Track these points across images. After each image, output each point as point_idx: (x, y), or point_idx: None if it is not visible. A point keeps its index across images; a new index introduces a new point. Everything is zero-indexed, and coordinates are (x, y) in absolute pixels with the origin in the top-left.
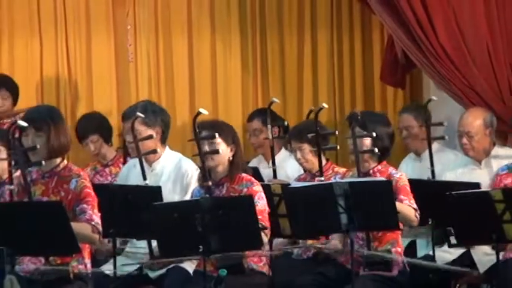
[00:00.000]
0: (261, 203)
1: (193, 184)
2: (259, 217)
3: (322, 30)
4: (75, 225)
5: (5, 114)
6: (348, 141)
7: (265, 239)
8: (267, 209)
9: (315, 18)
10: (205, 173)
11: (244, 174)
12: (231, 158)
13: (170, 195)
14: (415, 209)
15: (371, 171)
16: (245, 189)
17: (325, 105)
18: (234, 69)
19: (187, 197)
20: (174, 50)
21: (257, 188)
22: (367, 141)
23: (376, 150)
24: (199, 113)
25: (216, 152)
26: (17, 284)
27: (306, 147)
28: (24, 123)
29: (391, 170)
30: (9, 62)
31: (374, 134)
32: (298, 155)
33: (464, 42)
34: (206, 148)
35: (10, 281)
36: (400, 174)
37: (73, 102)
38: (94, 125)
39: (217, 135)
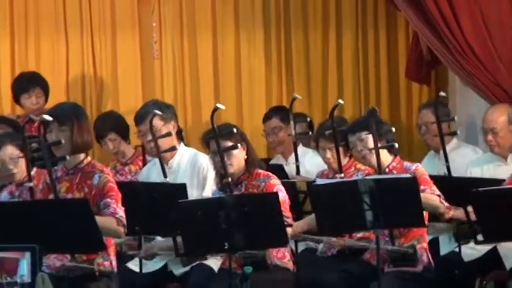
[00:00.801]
0: (281, 195)
1: (210, 177)
2: (281, 208)
3: (347, 27)
4: (100, 219)
5: (38, 112)
6: (357, 143)
7: (289, 229)
8: (287, 200)
9: (339, 15)
10: (225, 169)
11: (261, 170)
12: (245, 157)
13: (188, 190)
14: (439, 195)
15: (387, 169)
16: (263, 184)
17: (341, 101)
18: (258, 66)
19: (205, 191)
20: (199, 47)
21: (274, 181)
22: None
23: (397, 145)
24: (216, 108)
25: (235, 147)
26: (49, 281)
27: (340, 146)
28: (48, 118)
29: (406, 163)
30: (36, 60)
31: (393, 129)
32: (328, 154)
33: (490, 38)
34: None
35: (42, 278)
36: (416, 166)
37: (98, 100)
38: (110, 123)
39: (229, 141)
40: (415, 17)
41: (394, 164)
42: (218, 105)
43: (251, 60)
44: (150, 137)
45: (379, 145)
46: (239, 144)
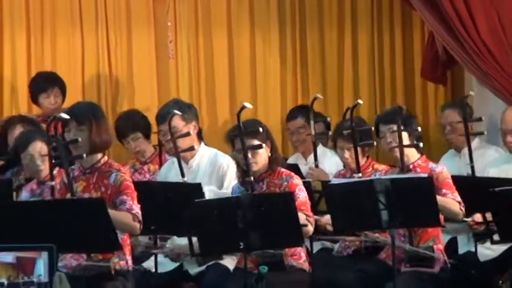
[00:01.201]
0: (302, 195)
1: (229, 176)
2: (303, 208)
3: (363, 26)
4: (116, 214)
5: (56, 112)
6: (387, 134)
7: (310, 228)
8: (308, 201)
9: (355, 14)
10: (249, 167)
11: (283, 169)
12: (269, 155)
13: (206, 186)
14: (459, 202)
15: (411, 165)
16: (285, 183)
17: (360, 101)
18: (273, 66)
19: (224, 189)
20: (214, 46)
21: (297, 181)
22: (405, 137)
23: (421, 144)
24: (243, 107)
25: (259, 146)
26: (66, 281)
27: (357, 148)
28: (66, 116)
29: (431, 164)
30: (51, 60)
31: (419, 129)
32: (347, 154)
33: (506, 38)
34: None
35: (59, 278)
36: (441, 168)
37: (114, 99)
38: (135, 122)
39: (255, 139)
40: (430, 16)
41: (419, 162)
42: (245, 103)
43: (266, 59)
44: (169, 137)
45: (408, 142)
46: (264, 144)
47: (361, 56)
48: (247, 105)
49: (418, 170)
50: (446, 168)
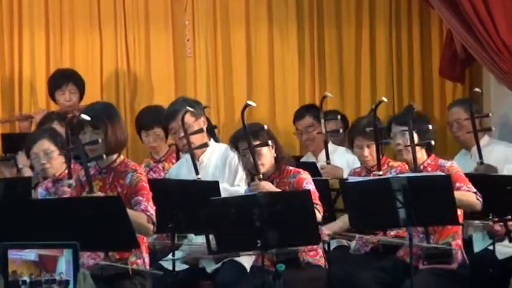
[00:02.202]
0: (310, 187)
1: (241, 169)
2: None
3: (381, 24)
4: (132, 213)
5: (72, 109)
6: (397, 136)
7: (319, 215)
8: (317, 192)
9: (373, 12)
10: (256, 166)
11: (291, 167)
12: (275, 155)
13: (220, 184)
14: (475, 192)
15: (421, 166)
16: (293, 180)
17: (384, 99)
18: (291, 63)
19: (237, 182)
20: (232, 44)
21: (304, 175)
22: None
23: (433, 142)
24: (247, 105)
25: (266, 144)
26: (90, 278)
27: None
28: (86, 117)
29: (440, 160)
30: (70, 58)
31: (430, 127)
32: (366, 152)
33: None
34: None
35: (83, 275)
36: (451, 163)
37: (132, 97)
38: (159, 118)
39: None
40: (448, 14)
41: (429, 161)
42: (249, 102)
43: (284, 57)
44: (182, 134)
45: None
46: (269, 141)
47: (379, 54)
48: (251, 103)
49: (429, 169)
50: (455, 163)
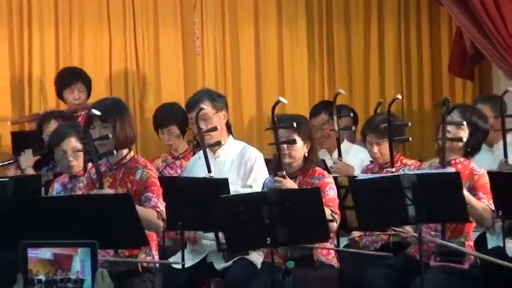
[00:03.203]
0: (332, 193)
1: (256, 169)
2: (330, 204)
3: (390, 21)
4: (142, 210)
5: (80, 107)
6: (449, 128)
7: (335, 224)
8: (337, 199)
9: (382, 9)
10: (281, 162)
11: (317, 168)
12: (306, 154)
13: (233, 184)
14: (493, 211)
15: (452, 161)
16: (317, 182)
17: (399, 96)
18: (300, 60)
19: (250, 181)
20: (241, 42)
21: (328, 179)
22: (460, 132)
23: (465, 139)
24: (278, 102)
25: (293, 141)
26: (108, 277)
27: (386, 143)
28: (97, 112)
29: (473, 165)
30: (79, 55)
31: (464, 123)
32: (376, 149)
33: None
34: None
35: (101, 274)
36: (483, 172)
37: (141, 95)
38: (175, 116)
39: (295, 133)
40: (458, 11)
41: (461, 159)
42: (281, 98)
43: (293, 54)
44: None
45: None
46: (300, 139)
47: (388, 50)
48: (283, 100)
49: (459, 166)
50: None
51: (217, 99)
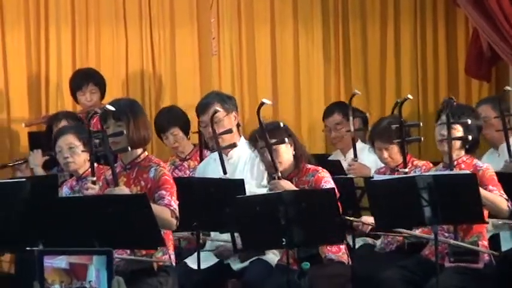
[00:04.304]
0: (329, 186)
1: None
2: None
3: (406, 22)
4: (156, 208)
5: (93, 108)
6: (437, 130)
7: None
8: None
9: (398, 10)
10: (275, 164)
11: (309, 165)
12: (293, 153)
13: (247, 183)
14: (507, 199)
15: (455, 162)
16: (312, 178)
17: (410, 96)
18: (316, 61)
19: (264, 182)
20: (257, 42)
21: (323, 173)
22: (458, 131)
23: (470, 137)
24: (262, 104)
25: (283, 141)
26: (124, 285)
27: (394, 147)
28: (111, 107)
29: (476, 161)
30: (96, 56)
31: (469, 121)
32: (385, 154)
33: None
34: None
35: (117, 282)
36: (487, 165)
37: (157, 95)
38: (174, 118)
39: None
40: (474, 12)
41: (464, 158)
42: (264, 100)
43: (309, 55)
44: (211, 130)
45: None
46: (286, 139)
47: (404, 52)
48: (266, 101)
49: (463, 166)
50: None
51: (227, 101)
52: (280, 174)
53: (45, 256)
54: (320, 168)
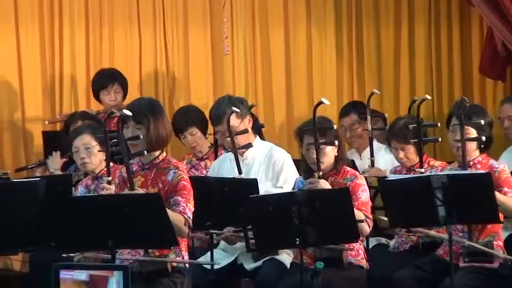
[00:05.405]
0: (365, 196)
1: (285, 171)
2: (363, 208)
3: (420, 21)
4: (170, 213)
5: (116, 108)
6: (451, 136)
7: (367, 228)
8: (370, 202)
9: (412, 9)
10: (318, 163)
11: (349, 168)
12: (336, 154)
13: (262, 184)
14: None
15: (471, 162)
16: (349, 183)
17: (428, 96)
18: (329, 62)
19: (279, 184)
20: (271, 42)
21: (361, 181)
22: (472, 131)
23: (484, 138)
24: (320, 103)
25: (332, 143)
26: None
27: (411, 147)
28: (128, 112)
29: (492, 161)
30: (109, 56)
31: (482, 122)
32: (401, 154)
33: None
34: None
35: None
36: (503, 166)
37: (171, 95)
38: (192, 117)
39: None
40: (489, 12)
41: (479, 158)
42: (323, 99)
43: (323, 55)
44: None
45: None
46: (336, 142)
47: (418, 52)
48: (325, 101)
49: (479, 166)
50: (507, 166)
51: (239, 106)
52: (321, 173)
53: (64, 269)
54: (358, 174)
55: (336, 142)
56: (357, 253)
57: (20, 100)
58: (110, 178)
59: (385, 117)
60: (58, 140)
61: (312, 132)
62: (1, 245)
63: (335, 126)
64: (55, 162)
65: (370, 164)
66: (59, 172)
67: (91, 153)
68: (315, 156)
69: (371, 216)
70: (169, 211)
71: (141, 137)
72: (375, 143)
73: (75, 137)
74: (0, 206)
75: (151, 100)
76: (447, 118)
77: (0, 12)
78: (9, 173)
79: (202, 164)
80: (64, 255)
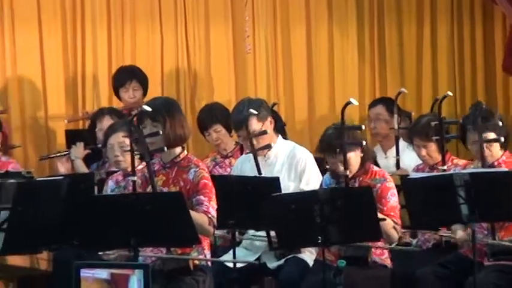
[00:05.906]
0: (393, 200)
1: (308, 171)
2: (392, 214)
3: (442, 19)
4: (193, 214)
5: (136, 105)
6: (472, 148)
7: (395, 235)
8: (399, 206)
9: (434, 8)
10: (345, 164)
11: (376, 168)
12: (361, 155)
13: (285, 183)
14: None
15: (495, 163)
16: (378, 185)
17: (449, 93)
18: (351, 60)
19: (303, 184)
20: (292, 40)
21: (390, 184)
22: (491, 133)
23: (503, 139)
24: (349, 103)
25: (360, 144)
26: None
27: (432, 145)
28: (148, 108)
29: None
30: (131, 54)
31: (500, 123)
32: (423, 152)
33: None
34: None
35: None
36: None
37: (192, 93)
38: (217, 115)
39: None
40: (511, 9)
41: (504, 158)
42: (352, 100)
43: (344, 53)
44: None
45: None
46: (361, 145)
47: (441, 50)
48: (354, 101)
49: (503, 166)
50: None
51: (259, 109)
52: (348, 172)
53: (85, 268)
54: (388, 176)
55: (361, 146)
56: (381, 252)
57: (42, 98)
58: (135, 178)
59: (411, 115)
60: (82, 137)
61: (339, 137)
62: (26, 244)
63: (363, 127)
64: (78, 152)
65: (395, 165)
66: (80, 161)
67: (125, 151)
68: (341, 158)
69: (399, 222)
70: (192, 213)
71: (160, 132)
72: (401, 142)
73: (111, 134)
74: (24, 205)
75: (168, 99)
76: (462, 120)
77: (23, 11)
78: (33, 171)
79: (227, 161)
80: (100, 252)
